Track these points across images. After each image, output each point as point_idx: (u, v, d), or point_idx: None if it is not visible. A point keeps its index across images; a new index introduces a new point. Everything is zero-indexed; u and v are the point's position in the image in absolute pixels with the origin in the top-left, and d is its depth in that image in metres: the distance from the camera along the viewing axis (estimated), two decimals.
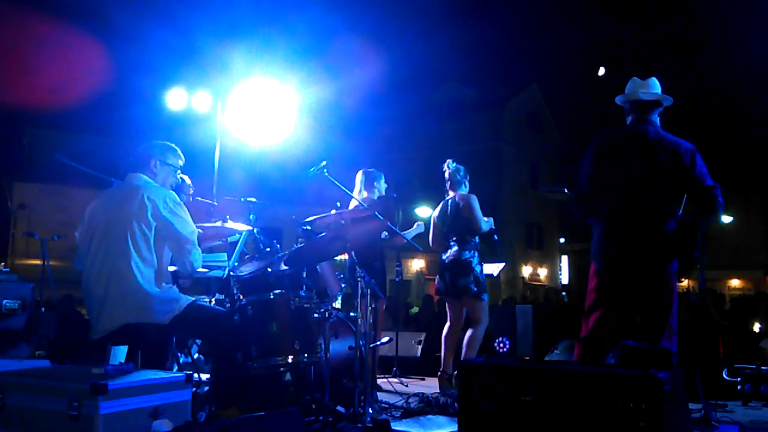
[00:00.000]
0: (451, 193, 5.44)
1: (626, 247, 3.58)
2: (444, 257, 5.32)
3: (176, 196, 3.46)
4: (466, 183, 5.46)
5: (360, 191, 5.41)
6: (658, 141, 3.61)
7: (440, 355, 5.36)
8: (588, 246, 3.86)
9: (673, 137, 3.65)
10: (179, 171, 3.67)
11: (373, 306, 4.06)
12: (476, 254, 5.22)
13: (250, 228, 4.20)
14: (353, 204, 5.24)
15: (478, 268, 5.18)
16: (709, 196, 3.53)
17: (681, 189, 3.60)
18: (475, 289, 5.10)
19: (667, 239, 3.54)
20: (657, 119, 3.75)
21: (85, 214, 3.45)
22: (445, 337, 5.30)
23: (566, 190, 4.02)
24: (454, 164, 5.47)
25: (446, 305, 5.43)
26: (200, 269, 3.89)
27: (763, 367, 4.93)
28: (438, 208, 5.51)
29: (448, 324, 5.35)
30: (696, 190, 3.57)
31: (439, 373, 5.17)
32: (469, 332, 5.20)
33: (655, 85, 3.77)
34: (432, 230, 5.50)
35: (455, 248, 5.23)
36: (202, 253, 4.24)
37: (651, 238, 3.54)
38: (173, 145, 3.65)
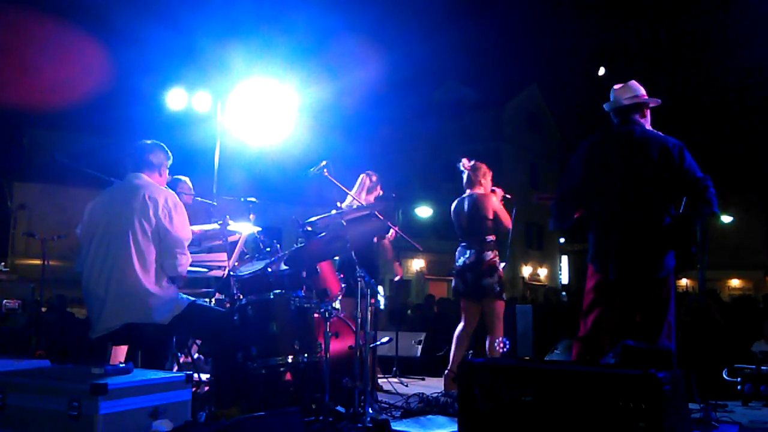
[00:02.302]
0: (468, 191, 5.33)
1: (622, 246, 3.59)
2: (462, 258, 5.19)
3: (177, 197, 3.47)
4: (483, 181, 5.33)
5: (360, 193, 5.32)
6: (645, 139, 3.65)
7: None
8: (588, 246, 3.87)
9: (660, 134, 3.68)
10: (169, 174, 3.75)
11: (372, 306, 4.06)
12: (497, 253, 5.18)
13: (256, 229, 4.20)
14: (349, 201, 5.24)
15: (500, 268, 5.15)
16: (700, 187, 3.54)
17: (672, 184, 3.60)
18: (498, 288, 5.08)
19: (662, 236, 3.55)
20: (641, 119, 3.77)
21: (85, 213, 3.45)
22: (459, 336, 5.22)
23: (558, 191, 4.03)
24: (472, 161, 5.37)
25: (461, 305, 5.30)
26: (198, 269, 3.89)
27: (763, 367, 4.93)
28: (454, 205, 5.38)
29: (462, 324, 5.26)
30: (687, 183, 3.58)
31: (447, 372, 5.12)
32: (489, 337, 5.14)
33: (635, 88, 3.79)
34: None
35: (475, 248, 5.12)
36: (203, 252, 4.24)
37: (646, 235, 3.56)
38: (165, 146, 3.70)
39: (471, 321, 5.26)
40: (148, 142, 3.62)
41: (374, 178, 5.41)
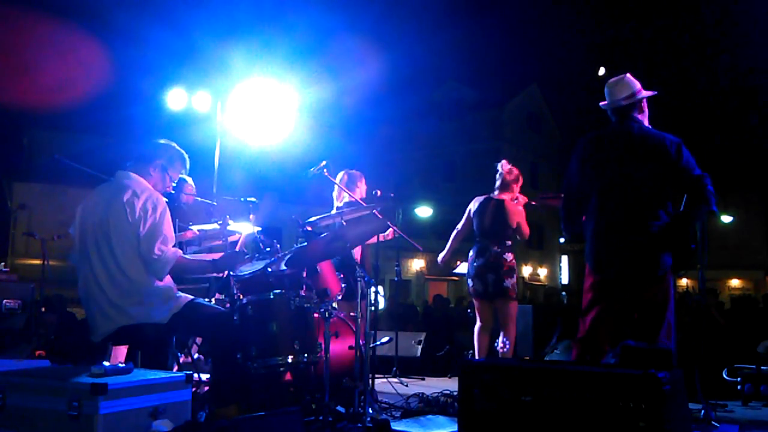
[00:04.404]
0: (497, 193, 5.43)
1: (619, 245, 3.58)
2: (482, 258, 5.27)
3: (161, 198, 3.35)
4: (515, 187, 5.46)
5: (342, 192, 5.33)
6: (642, 136, 3.63)
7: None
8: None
9: (657, 132, 3.67)
10: (174, 182, 3.58)
11: (372, 306, 4.06)
12: (514, 256, 5.36)
13: (256, 229, 4.20)
14: (346, 199, 5.25)
15: (516, 270, 5.33)
16: (698, 186, 3.53)
17: (670, 182, 3.59)
18: (516, 290, 5.28)
19: (659, 234, 3.54)
20: (640, 115, 3.76)
21: (76, 213, 3.39)
22: (479, 337, 5.36)
23: (562, 195, 4.04)
24: (509, 165, 5.49)
25: (476, 306, 5.41)
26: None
27: (762, 367, 4.93)
28: (477, 203, 5.47)
29: (479, 324, 5.38)
30: (685, 180, 3.57)
31: None
32: (501, 336, 5.24)
33: (631, 85, 3.78)
34: (464, 222, 5.51)
35: (496, 250, 5.24)
36: (203, 252, 4.23)
37: (643, 233, 3.54)
38: (184, 155, 3.56)
39: (488, 320, 5.39)
40: (162, 141, 3.50)
41: (355, 174, 5.46)
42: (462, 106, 30.78)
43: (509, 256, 5.27)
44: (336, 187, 5.38)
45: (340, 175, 5.44)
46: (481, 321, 5.36)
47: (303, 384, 3.68)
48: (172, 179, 3.54)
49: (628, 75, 3.81)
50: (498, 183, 5.46)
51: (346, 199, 5.28)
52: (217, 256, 3.84)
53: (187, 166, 3.60)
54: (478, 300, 5.36)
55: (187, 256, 3.50)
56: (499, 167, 5.49)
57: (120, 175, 3.40)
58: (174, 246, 3.32)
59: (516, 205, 5.38)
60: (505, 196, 5.40)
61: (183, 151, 3.57)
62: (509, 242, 5.32)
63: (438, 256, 5.83)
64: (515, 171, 5.47)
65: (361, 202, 5.14)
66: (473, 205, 5.49)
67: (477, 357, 5.29)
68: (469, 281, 5.36)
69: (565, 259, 34.63)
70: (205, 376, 3.79)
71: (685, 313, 6.71)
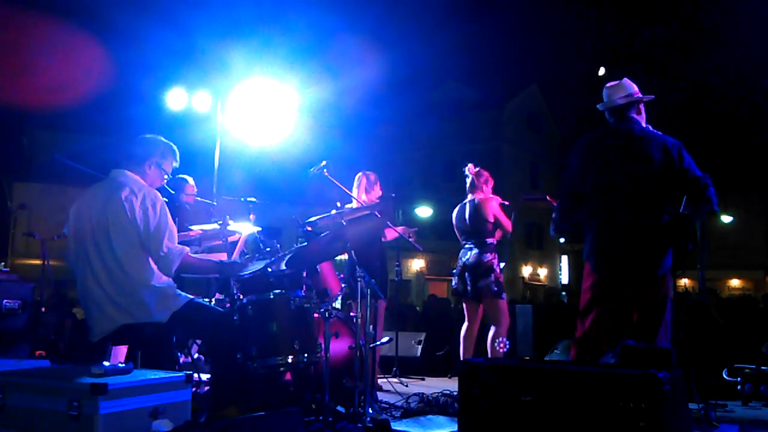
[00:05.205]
0: (470, 196, 5.49)
1: (619, 245, 3.59)
2: (462, 259, 5.35)
3: (158, 195, 3.35)
4: (485, 188, 5.51)
5: (360, 194, 5.37)
6: (643, 137, 3.64)
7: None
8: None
9: (658, 133, 3.67)
10: (168, 175, 3.57)
11: (373, 306, 4.07)
12: (496, 255, 5.33)
13: (256, 229, 4.20)
14: (354, 205, 5.25)
15: (497, 269, 5.29)
16: (700, 186, 3.54)
17: (671, 183, 3.60)
18: (495, 289, 5.21)
19: (660, 234, 3.54)
20: (638, 116, 3.77)
21: (70, 213, 3.37)
22: (464, 337, 5.38)
23: (548, 197, 4.04)
24: (477, 168, 5.55)
25: (464, 307, 5.47)
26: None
27: (762, 367, 4.94)
28: (456, 210, 5.56)
29: (465, 324, 5.41)
30: (687, 182, 3.58)
31: None
32: (492, 332, 5.27)
33: (627, 87, 3.79)
34: (456, 232, 5.58)
35: (475, 251, 5.29)
36: (203, 252, 4.23)
37: (644, 234, 3.55)
38: (174, 147, 3.57)
39: (474, 321, 5.40)
40: (148, 136, 3.52)
41: (372, 177, 5.46)
42: (462, 106, 30.80)
43: (488, 256, 5.26)
44: (358, 186, 5.41)
45: (358, 176, 5.47)
46: (467, 321, 5.42)
47: (303, 384, 3.68)
48: (166, 172, 3.54)
49: (626, 79, 3.83)
50: (467, 186, 5.53)
51: (363, 198, 5.32)
52: (218, 256, 3.84)
53: (178, 157, 3.60)
54: (460, 300, 5.47)
55: (192, 255, 3.50)
56: (466, 170, 5.56)
57: (115, 173, 3.39)
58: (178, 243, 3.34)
59: (489, 200, 5.41)
60: (478, 196, 5.45)
61: (171, 143, 3.57)
62: (490, 240, 5.31)
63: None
64: (484, 173, 5.53)
65: (361, 202, 5.15)
66: (454, 214, 5.58)
67: (462, 357, 5.29)
68: (452, 281, 5.47)
69: (565, 259, 34.64)
70: (205, 376, 3.79)
71: (685, 313, 6.71)
